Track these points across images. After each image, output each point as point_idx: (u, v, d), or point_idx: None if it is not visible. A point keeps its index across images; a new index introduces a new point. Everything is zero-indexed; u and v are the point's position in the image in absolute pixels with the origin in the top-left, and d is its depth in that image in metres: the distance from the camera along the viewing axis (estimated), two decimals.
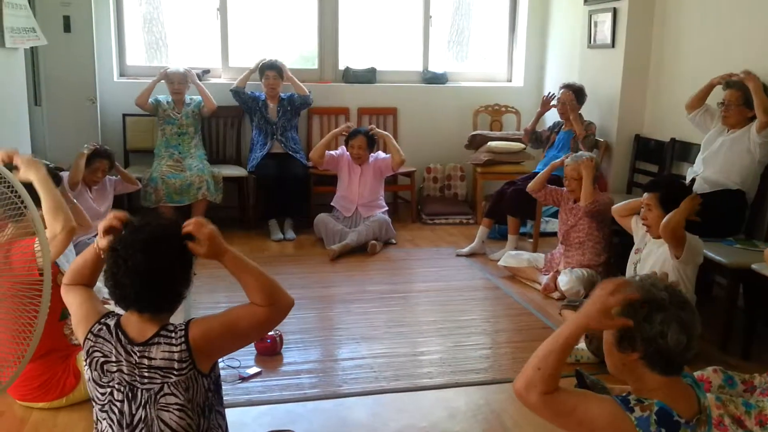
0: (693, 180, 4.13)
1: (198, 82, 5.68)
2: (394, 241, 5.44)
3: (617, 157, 5.30)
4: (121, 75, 6.02)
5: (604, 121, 5.37)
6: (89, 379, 1.92)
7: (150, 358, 1.85)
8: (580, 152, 4.59)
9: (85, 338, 1.93)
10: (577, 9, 5.82)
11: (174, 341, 1.86)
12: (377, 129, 5.60)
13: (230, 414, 2.10)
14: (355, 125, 5.87)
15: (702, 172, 4.10)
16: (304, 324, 3.84)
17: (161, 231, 1.88)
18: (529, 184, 4.71)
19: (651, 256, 3.43)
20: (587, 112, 5.28)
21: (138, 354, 1.86)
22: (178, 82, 5.55)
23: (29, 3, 5.14)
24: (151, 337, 1.87)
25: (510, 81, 6.79)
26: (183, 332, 1.86)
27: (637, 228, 3.63)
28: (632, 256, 3.59)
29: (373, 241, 5.19)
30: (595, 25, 5.48)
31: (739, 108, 3.97)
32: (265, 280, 1.89)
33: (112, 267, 1.86)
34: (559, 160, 4.70)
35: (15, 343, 2.28)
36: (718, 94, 4.16)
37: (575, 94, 5.17)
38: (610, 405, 1.67)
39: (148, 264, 1.82)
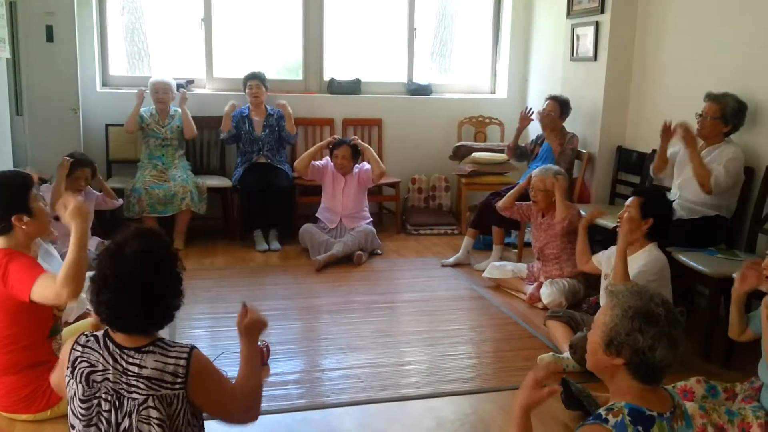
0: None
1: (185, 107, 5.55)
2: (379, 251, 5.45)
3: (600, 168, 5.36)
4: (104, 85, 5.99)
5: (587, 132, 5.43)
6: (73, 396, 1.90)
7: (141, 366, 1.86)
8: (549, 165, 4.63)
9: (72, 349, 1.92)
10: (559, 22, 5.88)
11: (170, 355, 1.88)
12: (359, 141, 5.61)
13: (218, 425, 2.09)
14: (340, 137, 5.88)
15: (678, 198, 4.12)
16: (290, 335, 3.83)
17: (152, 253, 1.89)
18: (499, 203, 4.76)
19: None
20: (570, 123, 5.34)
21: (128, 359, 1.86)
22: (162, 91, 5.51)
23: (11, 12, 5.12)
24: (145, 346, 1.89)
25: (494, 93, 6.85)
26: (186, 354, 1.89)
27: (604, 261, 3.66)
28: (603, 283, 3.61)
29: (359, 252, 5.19)
30: (578, 38, 5.54)
31: (714, 122, 3.97)
32: (258, 387, 2.07)
33: (106, 294, 1.86)
34: (524, 182, 4.72)
35: None
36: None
37: (560, 105, 5.23)
38: (589, 430, 1.72)
39: (146, 292, 1.86)
